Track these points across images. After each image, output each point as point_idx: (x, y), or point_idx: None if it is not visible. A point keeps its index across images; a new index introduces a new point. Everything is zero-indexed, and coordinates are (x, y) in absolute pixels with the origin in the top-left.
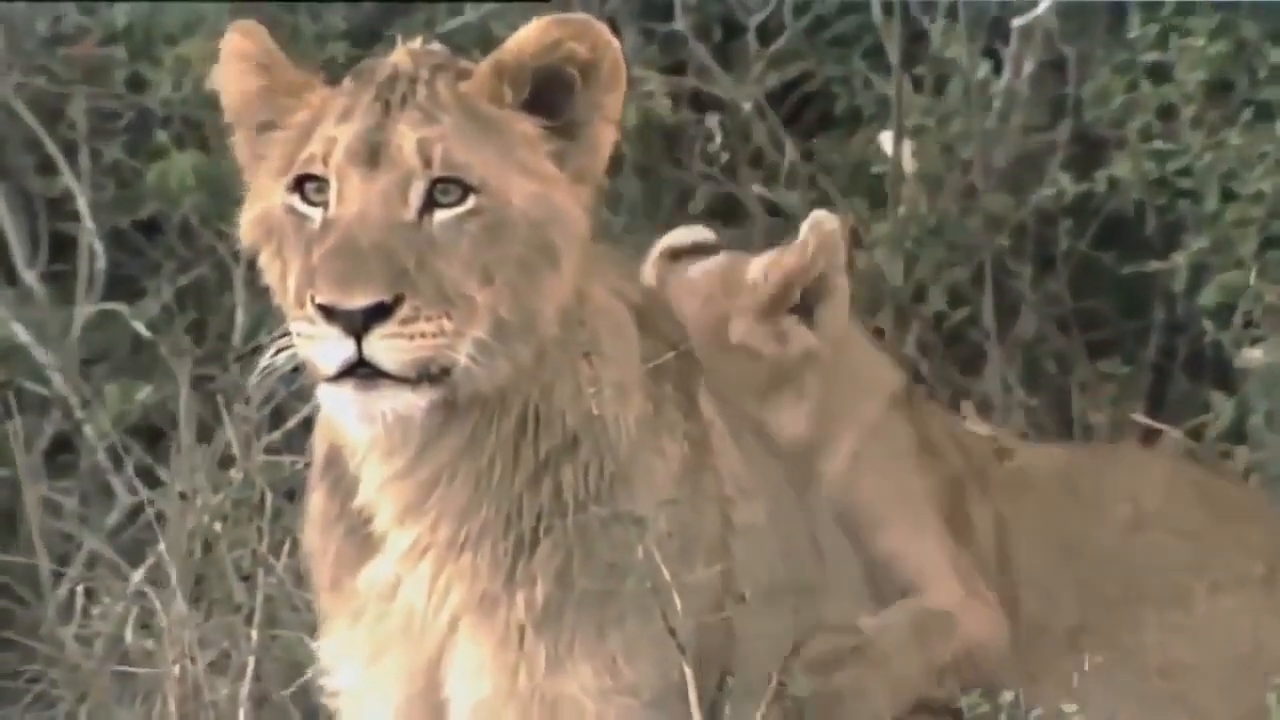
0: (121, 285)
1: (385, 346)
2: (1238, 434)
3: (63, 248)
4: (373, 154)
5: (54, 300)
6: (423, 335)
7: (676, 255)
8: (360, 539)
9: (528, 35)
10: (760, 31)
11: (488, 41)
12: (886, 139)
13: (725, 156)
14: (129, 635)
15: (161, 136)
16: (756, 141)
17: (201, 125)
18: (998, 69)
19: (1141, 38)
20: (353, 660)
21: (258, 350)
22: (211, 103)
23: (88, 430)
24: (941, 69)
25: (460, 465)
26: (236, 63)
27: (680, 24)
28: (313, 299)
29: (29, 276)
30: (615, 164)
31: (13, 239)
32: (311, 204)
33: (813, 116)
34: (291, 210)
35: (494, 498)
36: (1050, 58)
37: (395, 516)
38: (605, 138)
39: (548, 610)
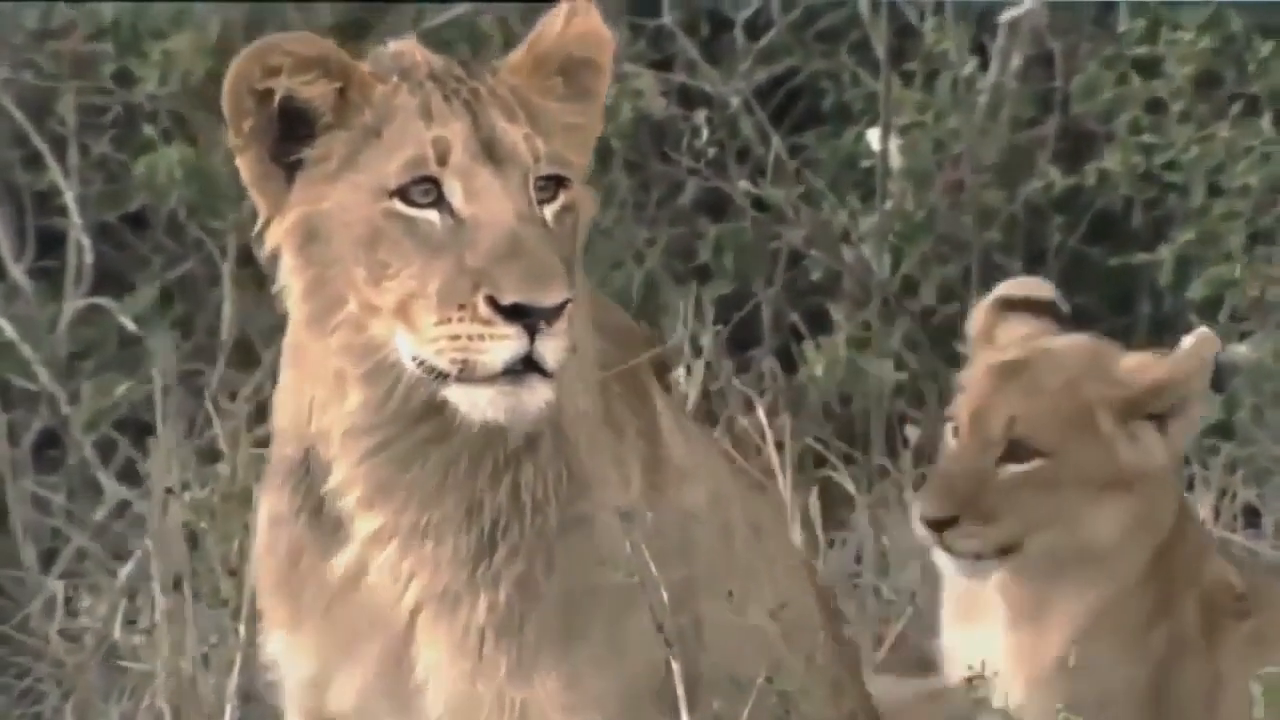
0: (109, 280)
1: (555, 343)
2: (1225, 430)
3: (50, 243)
4: (490, 152)
5: (41, 295)
6: (568, 333)
7: (1011, 305)
8: (327, 527)
9: (561, 24)
10: (748, 26)
11: (475, 37)
12: (874, 135)
13: (713, 152)
14: (117, 631)
15: (149, 131)
16: (744, 137)
17: (188, 120)
18: (985, 64)
19: (1130, 32)
20: (319, 650)
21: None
22: (199, 97)
23: (74, 425)
24: (930, 64)
25: (432, 452)
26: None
27: (668, 19)
28: (490, 300)
29: (16, 271)
30: (604, 159)
31: (0, 234)
32: (418, 205)
33: (800, 112)
34: (395, 215)
35: (456, 489)
36: (1038, 52)
37: (365, 498)
38: (600, 127)
39: (510, 616)
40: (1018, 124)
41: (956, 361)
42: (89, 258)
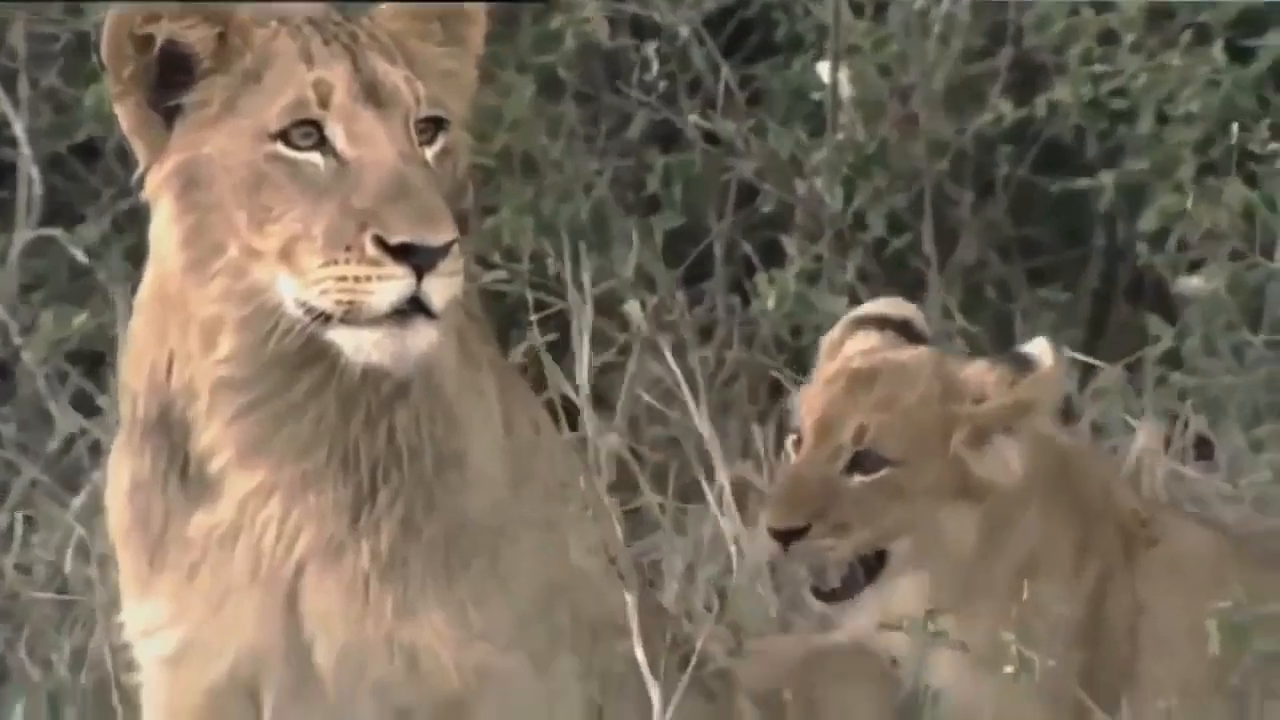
0: (60, 211)
1: (442, 284)
2: (1175, 359)
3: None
4: (371, 94)
5: None
6: (455, 273)
7: (863, 323)
8: (194, 487)
9: None
10: None
11: None
12: (824, 67)
13: (663, 84)
14: (68, 563)
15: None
16: (695, 68)
17: None
18: None
19: None
20: (189, 615)
21: None
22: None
23: (26, 357)
24: None
25: (309, 405)
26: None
27: None
28: (378, 240)
29: None
30: (553, 90)
31: None
32: (300, 148)
33: (752, 43)
34: (277, 159)
35: (333, 439)
36: None
37: (237, 456)
38: (474, 77)
39: (393, 559)
40: (970, 55)
41: (909, 293)
42: (39, 189)
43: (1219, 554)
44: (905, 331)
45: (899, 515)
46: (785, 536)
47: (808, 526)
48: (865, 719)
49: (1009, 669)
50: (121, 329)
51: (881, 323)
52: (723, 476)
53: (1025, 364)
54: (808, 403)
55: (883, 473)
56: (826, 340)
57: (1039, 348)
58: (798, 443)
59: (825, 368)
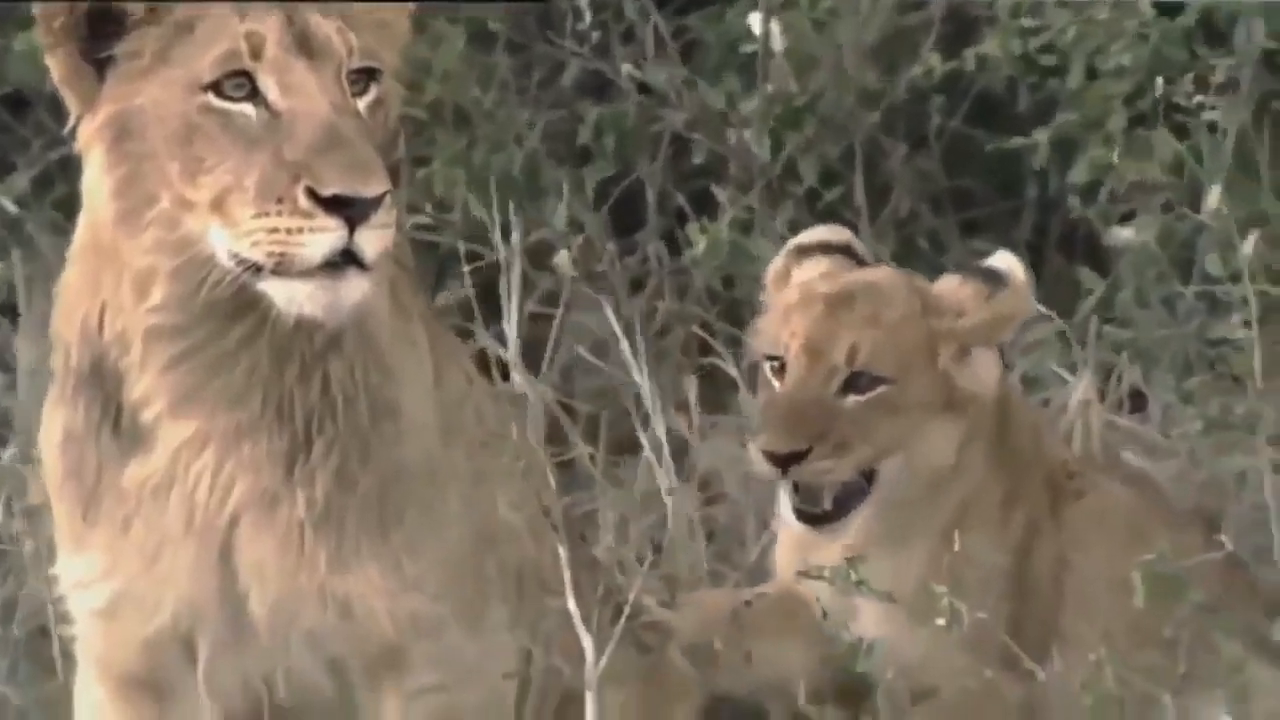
0: None
1: (374, 236)
2: (1108, 311)
3: None
4: (303, 45)
5: None
6: (387, 225)
7: (806, 251)
8: (127, 438)
9: None
10: None
11: None
12: (756, 19)
13: (596, 34)
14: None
15: (28, 7)
16: (627, 19)
17: None
18: None
19: None
20: (124, 568)
21: None
22: None
23: None
24: None
25: (241, 355)
26: None
27: None
28: (310, 191)
29: None
30: (486, 40)
31: None
32: (232, 100)
33: None
34: (209, 110)
35: (266, 389)
36: None
37: (170, 406)
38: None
39: (328, 510)
40: (903, 7)
41: None
42: None
43: (1141, 510)
44: (849, 256)
45: (893, 432)
46: (785, 460)
47: (809, 449)
48: (795, 669)
49: (940, 620)
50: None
51: (825, 249)
52: (659, 428)
53: (995, 278)
54: (781, 329)
55: (877, 391)
56: (771, 270)
57: (1004, 261)
58: (779, 370)
59: (782, 296)
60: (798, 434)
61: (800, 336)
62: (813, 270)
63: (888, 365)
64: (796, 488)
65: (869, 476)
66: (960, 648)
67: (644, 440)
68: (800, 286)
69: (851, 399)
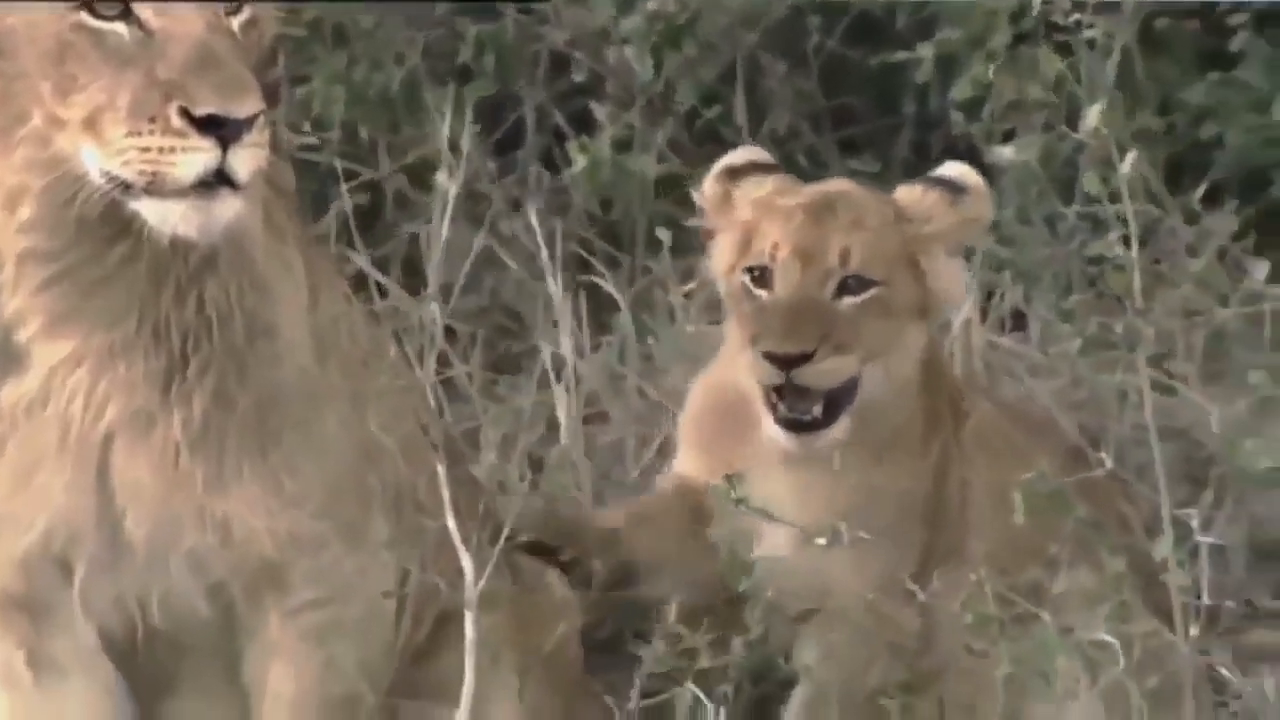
0: None
1: (247, 156)
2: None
3: None
4: None
5: None
6: (260, 145)
7: (735, 173)
8: (1, 358)
9: None
10: None
11: None
12: None
13: None
14: None
15: None
16: None
17: None
18: None
19: None
20: None
21: None
22: None
23: None
24: None
25: (117, 276)
26: None
27: None
28: (183, 111)
29: None
30: None
31: None
32: (105, 18)
33: None
34: (82, 28)
35: (142, 309)
36: None
37: (45, 326)
38: None
39: (206, 429)
40: None
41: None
42: None
43: (1006, 426)
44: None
45: (884, 334)
46: (792, 362)
47: (814, 350)
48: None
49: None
50: None
51: (757, 168)
52: (545, 346)
53: (953, 185)
54: (758, 242)
55: (870, 293)
56: (707, 194)
57: (955, 170)
58: (759, 278)
59: (737, 213)
60: (805, 334)
61: (789, 244)
62: (760, 188)
63: (878, 268)
64: (782, 395)
65: (853, 383)
66: (865, 573)
67: (544, 351)
68: (762, 200)
69: (847, 300)
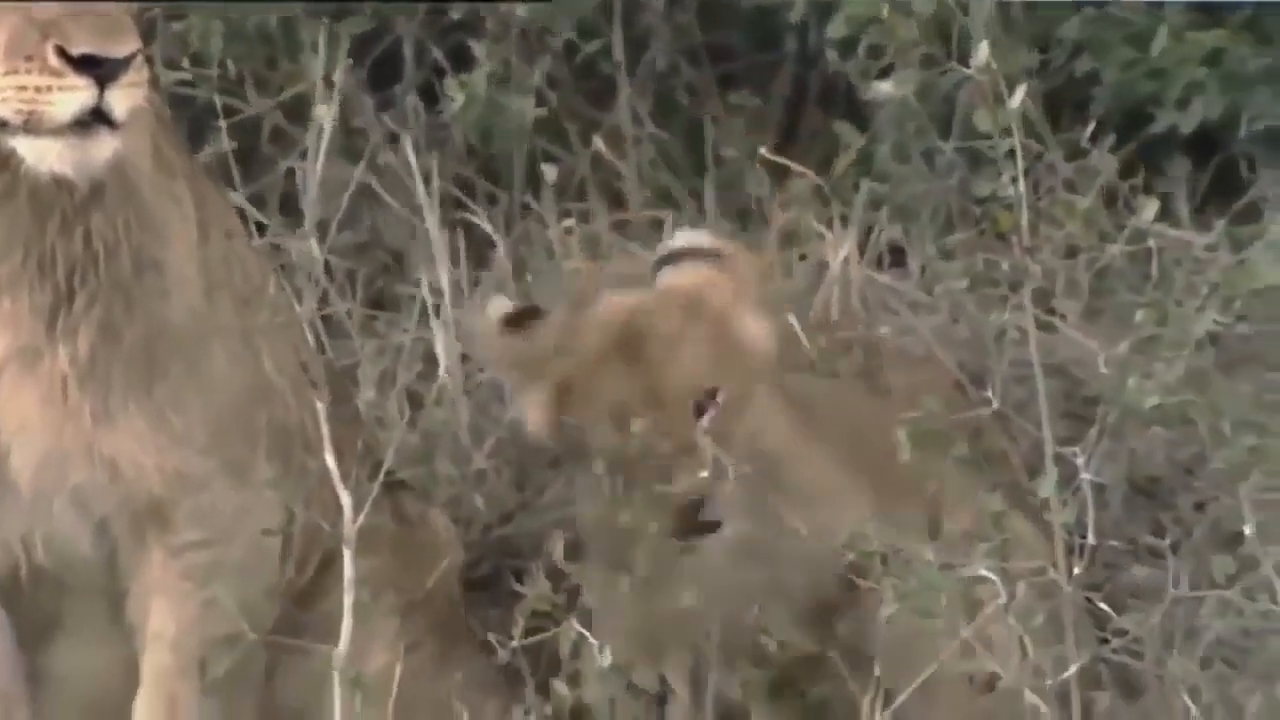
0: None
1: (124, 95)
2: (867, 166)
3: None
4: None
5: None
6: (137, 84)
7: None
8: None
9: None
10: None
11: None
12: None
13: None
14: None
15: None
16: None
17: None
18: None
19: None
20: None
21: None
22: None
23: None
24: None
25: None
26: None
27: None
28: (59, 50)
29: None
30: None
31: None
32: None
33: None
34: None
35: (27, 243)
36: None
37: None
38: None
39: (93, 364)
40: None
41: (599, 99)
42: None
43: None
44: None
45: None
46: None
47: None
48: None
49: None
50: None
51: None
52: (425, 281)
53: (706, 255)
54: None
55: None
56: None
57: (687, 239)
58: None
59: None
60: None
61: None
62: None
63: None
64: None
65: None
66: None
67: (424, 290)
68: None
69: None
